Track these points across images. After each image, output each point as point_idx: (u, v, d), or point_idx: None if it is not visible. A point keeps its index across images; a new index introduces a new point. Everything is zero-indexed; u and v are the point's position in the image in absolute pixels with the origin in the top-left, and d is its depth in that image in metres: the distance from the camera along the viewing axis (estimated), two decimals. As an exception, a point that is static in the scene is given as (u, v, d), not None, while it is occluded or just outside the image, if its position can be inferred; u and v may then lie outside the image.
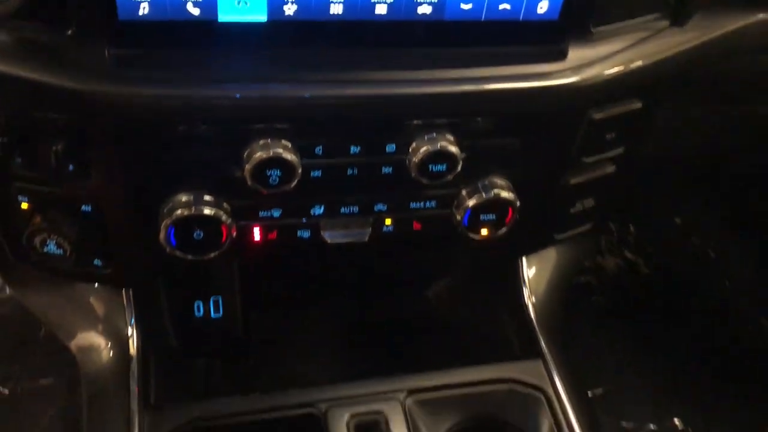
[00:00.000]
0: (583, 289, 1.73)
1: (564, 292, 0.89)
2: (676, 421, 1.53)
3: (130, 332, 0.76)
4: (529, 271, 0.86)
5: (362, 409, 0.75)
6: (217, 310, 0.88)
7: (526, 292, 0.85)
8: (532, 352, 0.83)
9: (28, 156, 0.61)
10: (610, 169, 0.75)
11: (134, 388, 0.74)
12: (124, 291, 0.77)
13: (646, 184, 1.46)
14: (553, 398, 0.79)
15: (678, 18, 0.69)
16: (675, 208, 1.77)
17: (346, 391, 0.77)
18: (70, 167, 0.61)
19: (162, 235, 0.64)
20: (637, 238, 1.80)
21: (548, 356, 0.82)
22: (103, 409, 0.75)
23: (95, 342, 0.77)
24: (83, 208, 0.65)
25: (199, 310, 0.87)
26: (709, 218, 1.76)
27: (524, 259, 0.86)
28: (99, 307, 0.77)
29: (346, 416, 0.74)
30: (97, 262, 0.70)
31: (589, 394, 0.94)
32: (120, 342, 0.76)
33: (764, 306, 1.71)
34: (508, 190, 0.68)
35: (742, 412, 1.57)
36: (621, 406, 1.54)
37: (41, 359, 1.42)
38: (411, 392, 0.77)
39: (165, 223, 0.63)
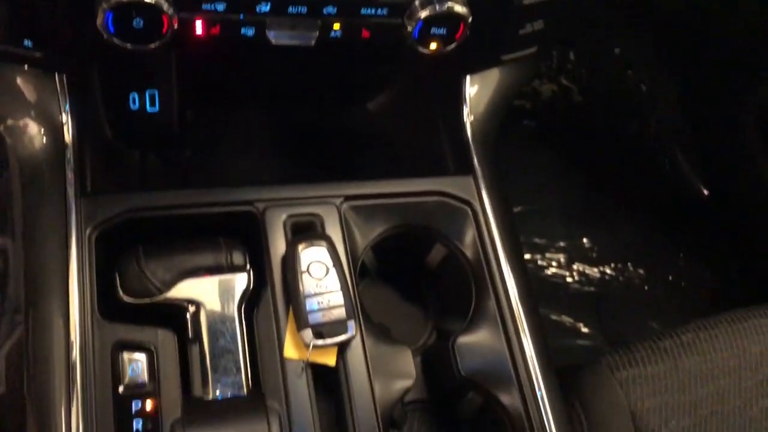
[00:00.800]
0: (517, 112, 1.77)
1: (501, 114, 0.91)
2: (584, 240, 1.66)
3: (64, 119, 0.74)
4: (471, 89, 0.87)
5: (299, 210, 0.78)
6: (153, 104, 0.85)
7: (465, 110, 0.87)
8: (464, 168, 0.87)
9: None
10: (564, -9, 0.74)
11: (70, 175, 0.73)
12: (57, 76, 0.74)
13: (591, 12, 1.45)
14: (479, 212, 0.84)
15: None
16: (615, 40, 1.78)
17: (284, 193, 0.78)
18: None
19: (99, 21, 0.60)
20: (575, 66, 1.82)
21: (479, 173, 0.86)
22: (38, 195, 0.74)
23: (28, 127, 0.74)
24: (10, -18, 0.60)
25: (134, 103, 0.85)
26: (647, 53, 1.78)
27: (467, 77, 0.87)
28: (30, 92, 0.74)
29: (283, 216, 0.77)
30: (27, 43, 0.67)
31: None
32: (54, 128, 0.74)
33: (682, 143, 1.81)
34: (462, 4, 0.67)
35: (647, 237, 1.71)
36: (536, 223, 1.65)
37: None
38: (347, 198, 0.80)
39: (102, 7, 0.60)
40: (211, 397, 0.69)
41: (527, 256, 1.59)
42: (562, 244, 1.64)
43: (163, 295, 0.71)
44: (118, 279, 0.72)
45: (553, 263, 1.61)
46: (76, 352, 0.67)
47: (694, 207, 1.78)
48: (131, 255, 0.73)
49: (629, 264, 1.66)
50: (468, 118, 0.87)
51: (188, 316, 0.72)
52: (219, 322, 0.72)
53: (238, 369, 0.71)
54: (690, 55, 1.67)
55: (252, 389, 0.71)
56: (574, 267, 1.62)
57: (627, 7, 1.60)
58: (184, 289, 0.72)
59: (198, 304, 0.72)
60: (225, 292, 0.73)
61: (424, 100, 0.95)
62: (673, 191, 1.80)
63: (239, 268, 0.75)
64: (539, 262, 1.60)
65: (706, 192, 1.80)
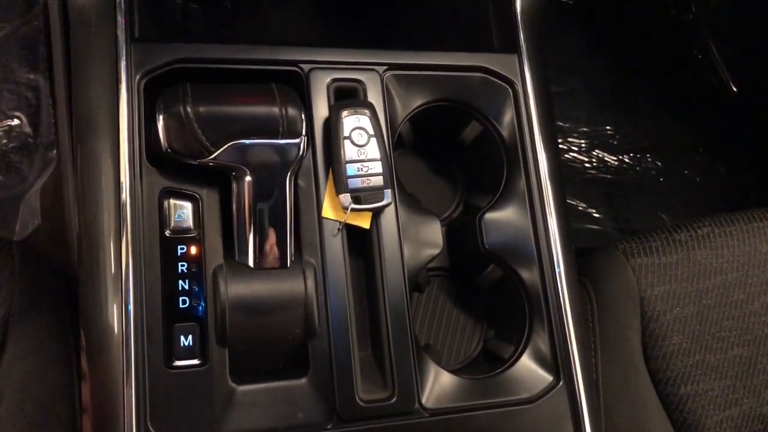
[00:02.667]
0: (556, -12, 1.71)
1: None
2: (607, 127, 1.66)
3: None
4: (525, -36, 0.85)
5: (343, 75, 0.78)
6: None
7: (517, -15, 0.85)
8: (509, 45, 0.86)
9: None
10: None
11: (120, 18, 0.73)
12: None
13: None
14: (520, 92, 0.84)
15: None
16: None
17: (329, 56, 0.78)
18: None
19: None
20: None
21: (524, 52, 0.85)
22: (86, 36, 0.74)
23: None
24: None
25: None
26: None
27: (522, -50, 0.84)
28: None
29: (327, 80, 0.77)
30: None
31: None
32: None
33: (720, 35, 1.76)
34: None
35: (669, 129, 1.71)
36: (562, 106, 1.64)
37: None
38: (390, 67, 0.80)
39: None
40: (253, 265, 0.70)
41: (550, 139, 1.60)
42: (584, 129, 1.64)
43: (211, 156, 0.67)
44: (162, 128, 0.67)
45: (574, 147, 1.62)
46: (125, 194, 0.69)
47: (721, 103, 1.77)
48: (176, 95, 0.67)
49: (647, 155, 1.67)
50: (520, -6, 0.85)
51: (234, 182, 0.70)
52: (267, 190, 0.69)
53: (283, 241, 0.71)
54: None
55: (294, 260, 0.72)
56: (594, 153, 1.63)
57: None
58: (234, 153, 0.67)
59: (247, 170, 0.68)
60: (277, 160, 0.69)
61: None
62: (702, 84, 1.78)
63: (294, 132, 0.69)
64: (561, 146, 1.61)
65: (735, 89, 1.78)
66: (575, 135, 1.63)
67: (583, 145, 1.63)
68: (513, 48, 0.85)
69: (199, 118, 0.67)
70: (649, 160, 1.67)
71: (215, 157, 0.67)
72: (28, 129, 1.29)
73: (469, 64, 0.84)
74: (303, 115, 0.71)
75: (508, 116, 0.84)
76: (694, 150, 1.72)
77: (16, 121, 1.29)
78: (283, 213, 0.70)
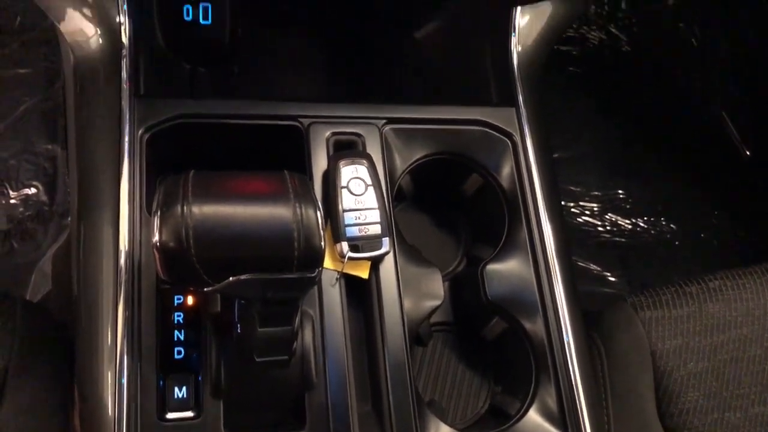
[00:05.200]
0: (563, 57, 1.75)
1: (549, 47, 0.91)
2: (619, 191, 1.66)
3: (121, 19, 0.76)
4: (521, 20, 0.87)
5: (343, 129, 0.80)
6: (206, 17, 0.87)
7: (513, 39, 0.87)
8: (507, 99, 0.87)
9: None
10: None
11: (125, 76, 0.75)
12: (114, -21, 0.76)
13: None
14: (519, 145, 0.85)
15: None
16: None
17: (329, 111, 0.80)
18: None
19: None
20: (626, 15, 1.79)
21: (522, 105, 0.86)
22: (93, 94, 0.77)
23: (86, 27, 0.76)
24: None
25: (188, 15, 0.87)
26: (703, 4, 1.74)
27: (518, 8, 0.86)
28: (90, -8, 0.76)
29: (327, 133, 0.79)
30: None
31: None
32: (111, 30, 0.76)
33: (729, 101, 1.77)
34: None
35: (682, 193, 1.70)
36: (572, 171, 1.65)
37: (17, 49, 1.42)
38: (389, 121, 0.82)
39: None
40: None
41: (560, 202, 1.60)
42: (596, 193, 1.64)
43: (210, 288, 0.54)
44: (159, 257, 0.53)
45: (586, 211, 1.62)
46: (124, 245, 0.70)
47: (734, 167, 1.76)
48: (176, 193, 0.54)
49: (662, 218, 1.66)
50: (515, 47, 0.87)
51: (236, 302, 0.60)
52: (273, 317, 0.59)
53: (287, 349, 0.62)
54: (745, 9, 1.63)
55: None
56: (607, 216, 1.62)
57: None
58: (237, 286, 0.54)
59: (251, 300, 0.57)
60: (287, 292, 0.56)
61: (472, 30, 0.94)
62: (714, 149, 1.78)
63: (311, 261, 0.55)
64: (572, 210, 1.61)
65: (747, 153, 1.78)
66: (587, 199, 1.63)
67: (595, 209, 1.62)
68: (511, 102, 0.87)
69: (199, 253, 0.52)
70: (664, 223, 1.65)
71: (215, 289, 0.54)
72: (44, 197, 1.32)
73: (468, 118, 0.85)
74: (321, 229, 0.56)
75: (508, 168, 0.84)
76: (709, 213, 1.70)
77: (33, 190, 1.32)
78: (289, 339, 0.61)
